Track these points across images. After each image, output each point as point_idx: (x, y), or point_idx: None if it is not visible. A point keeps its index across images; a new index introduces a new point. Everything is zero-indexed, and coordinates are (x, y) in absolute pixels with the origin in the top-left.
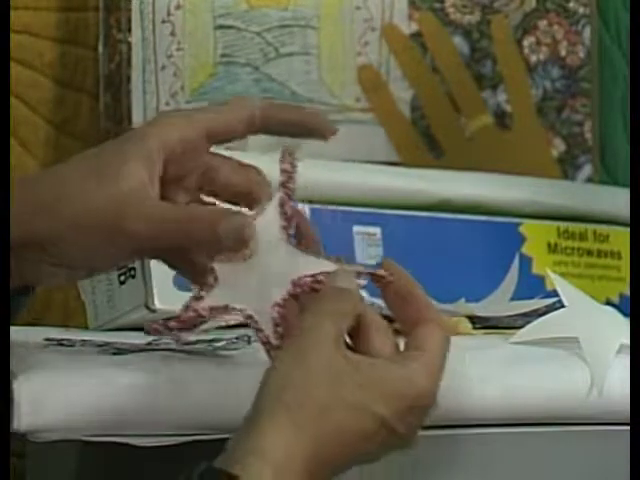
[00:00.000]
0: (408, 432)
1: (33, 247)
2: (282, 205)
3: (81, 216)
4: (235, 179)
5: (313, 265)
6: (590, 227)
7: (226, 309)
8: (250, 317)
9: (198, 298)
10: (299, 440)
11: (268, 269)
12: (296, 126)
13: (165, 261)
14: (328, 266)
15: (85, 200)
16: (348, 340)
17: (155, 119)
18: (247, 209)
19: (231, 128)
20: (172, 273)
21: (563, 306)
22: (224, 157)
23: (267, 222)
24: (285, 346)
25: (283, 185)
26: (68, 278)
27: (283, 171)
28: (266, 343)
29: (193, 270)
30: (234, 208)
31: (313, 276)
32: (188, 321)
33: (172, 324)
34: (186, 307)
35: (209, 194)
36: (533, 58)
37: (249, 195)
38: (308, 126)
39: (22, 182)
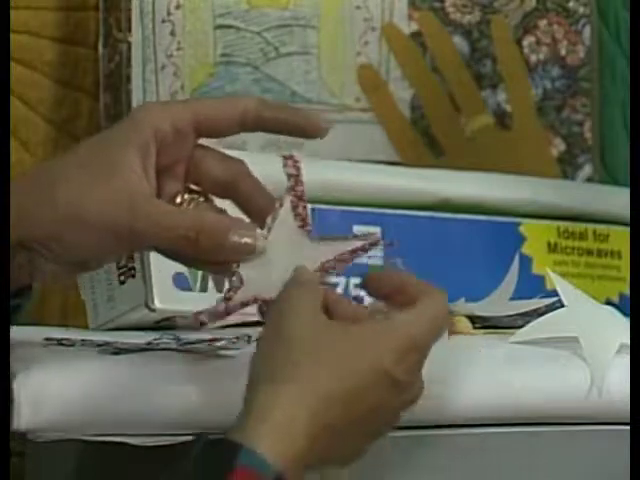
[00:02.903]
0: (408, 379)
1: (33, 245)
2: (295, 208)
3: (85, 213)
4: (220, 171)
5: (335, 248)
6: (590, 227)
7: (255, 300)
8: None
9: (228, 299)
10: (299, 401)
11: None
12: (289, 126)
13: (166, 255)
14: (350, 245)
15: (87, 196)
16: None
17: (145, 106)
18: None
19: (222, 122)
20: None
21: (563, 306)
22: (209, 149)
23: (283, 228)
24: (266, 320)
25: (292, 189)
26: (66, 275)
27: (289, 175)
28: None
29: (194, 264)
30: (243, 219)
31: (335, 257)
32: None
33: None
34: (217, 306)
35: (194, 184)
36: (533, 58)
37: (233, 186)
38: (301, 126)
39: (18, 180)
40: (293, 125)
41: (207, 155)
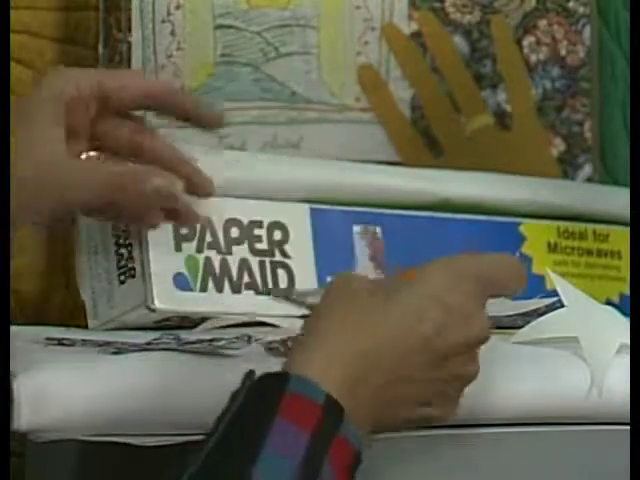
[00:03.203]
0: (460, 304)
1: None
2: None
3: (27, 181)
4: (123, 132)
5: None
6: (590, 227)
7: None
8: None
9: None
10: (344, 330)
11: None
12: (188, 116)
13: (97, 216)
14: None
15: (21, 166)
16: None
17: (55, 72)
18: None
19: (126, 98)
20: (172, 273)
21: (563, 306)
22: (115, 113)
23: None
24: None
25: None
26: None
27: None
28: None
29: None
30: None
31: None
32: None
33: None
34: None
35: (100, 146)
36: (533, 58)
37: (138, 146)
38: (200, 118)
39: None
40: (192, 116)
41: (111, 118)
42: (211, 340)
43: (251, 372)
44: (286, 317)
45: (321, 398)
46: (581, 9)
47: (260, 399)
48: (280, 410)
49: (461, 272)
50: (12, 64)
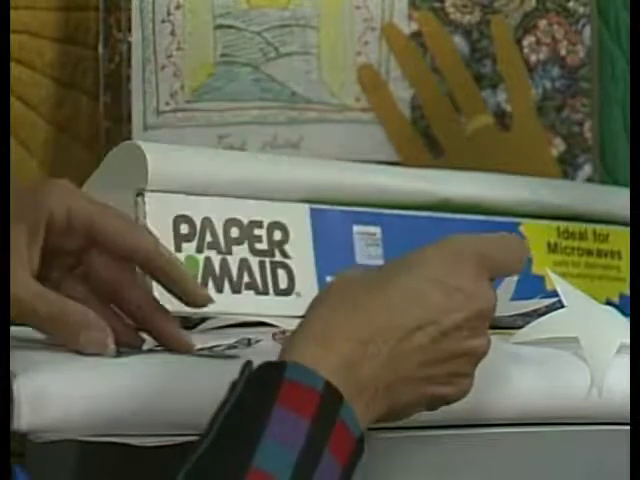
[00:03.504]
0: (460, 284)
1: None
2: None
3: None
4: (106, 277)
5: None
6: (590, 227)
7: None
8: None
9: None
10: (336, 312)
11: None
12: (173, 285)
13: None
14: None
15: None
16: None
17: (53, 186)
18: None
19: (114, 242)
20: None
21: (563, 306)
22: (106, 250)
23: None
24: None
25: None
26: None
27: None
28: None
29: None
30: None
31: None
32: None
33: None
34: None
35: (80, 279)
36: (533, 58)
37: (118, 295)
38: (185, 292)
39: None
40: (177, 291)
41: (100, 257)
42: (211, 348)
43: (249, 362)
44: (286, 317)
45: (319, 385)
46: (581, 9)
47: (258, 388)
48: (279, 398)
49: (461, 253)
50: (12, 64)
